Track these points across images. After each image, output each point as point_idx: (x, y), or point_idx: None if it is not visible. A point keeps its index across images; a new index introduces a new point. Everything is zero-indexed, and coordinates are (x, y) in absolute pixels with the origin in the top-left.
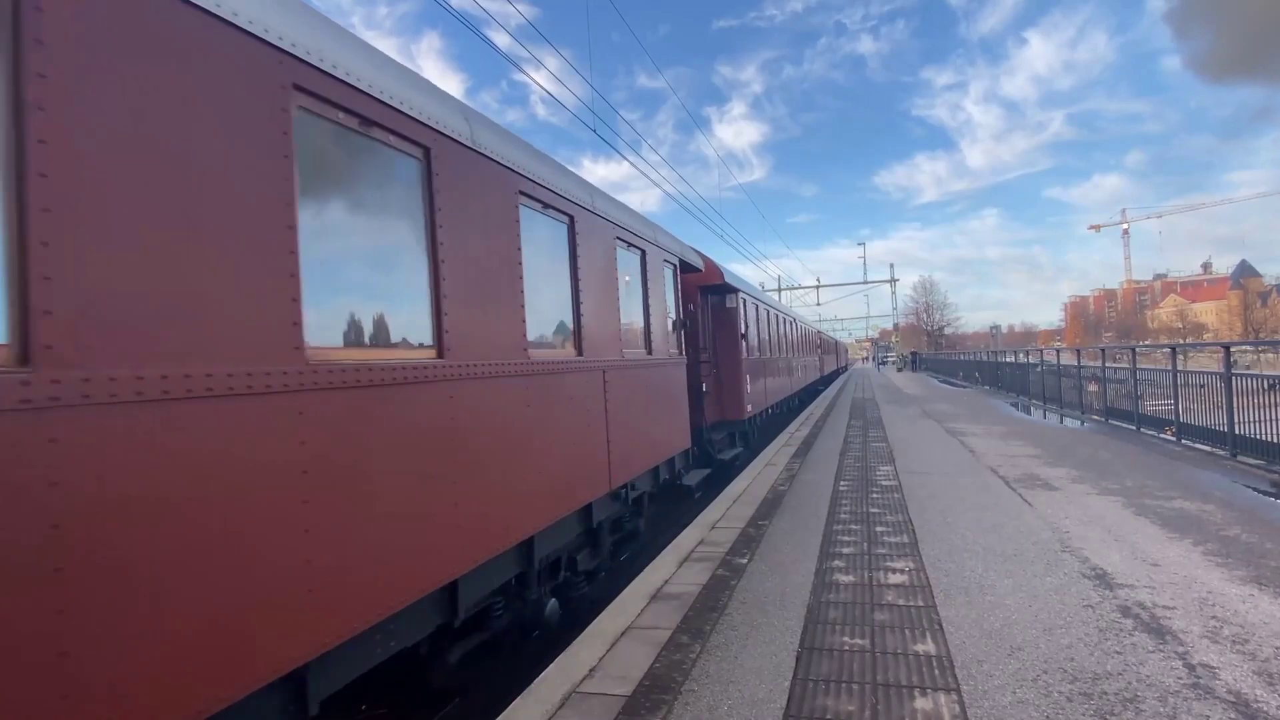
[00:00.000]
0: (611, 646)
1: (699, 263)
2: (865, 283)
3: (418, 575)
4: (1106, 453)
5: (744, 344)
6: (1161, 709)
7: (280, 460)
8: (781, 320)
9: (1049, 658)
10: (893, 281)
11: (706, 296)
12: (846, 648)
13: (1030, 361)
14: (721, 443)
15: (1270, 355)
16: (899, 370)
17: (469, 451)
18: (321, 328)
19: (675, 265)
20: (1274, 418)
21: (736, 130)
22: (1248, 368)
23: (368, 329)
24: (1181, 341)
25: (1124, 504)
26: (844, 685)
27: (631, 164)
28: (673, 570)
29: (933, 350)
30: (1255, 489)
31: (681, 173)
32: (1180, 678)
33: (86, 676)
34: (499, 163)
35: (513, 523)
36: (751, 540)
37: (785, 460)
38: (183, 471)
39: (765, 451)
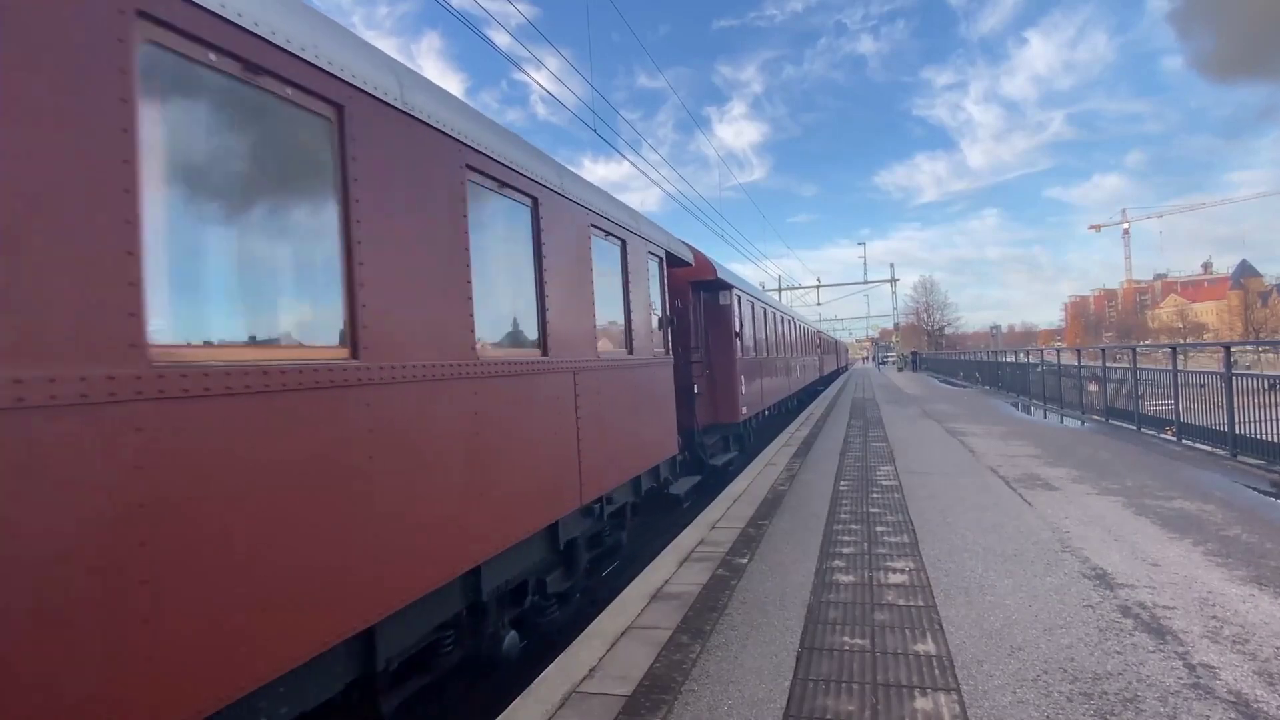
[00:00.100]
0: (611, 646)
1: (689, 256)
2: (865, 283)
3: (317, 629)
4: (1107, 453)
5: (738, 343)
6: (1162, 709)
7: (103, 501)
8: (779, 318)
9: (1049, 658)
10: (893, 281)
11: (699, 293)
12: (847, 648)
13: (1030, 361)
14: (715, 447)
15: (1271, 355)
16: (899, 370)
17: (393, 473)
18: (180, 320)
19: (661, 258)
20: (1274, 418)
21: (737, 130)
22: (1248, 368)
23: (251, 323)
24: (1182, 341)
25: (1124, 504)
26: (844, 685)
27: (632, 164)
28: (673, 570)
29: (933, 350)
30: (1255, 489)
31: (682, 172)
32: (1180, 678)
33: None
34: (439, 130)
35: (453, 553)
36: (752, 540)
37: (785, 460)
38: None
39: (765, 451)
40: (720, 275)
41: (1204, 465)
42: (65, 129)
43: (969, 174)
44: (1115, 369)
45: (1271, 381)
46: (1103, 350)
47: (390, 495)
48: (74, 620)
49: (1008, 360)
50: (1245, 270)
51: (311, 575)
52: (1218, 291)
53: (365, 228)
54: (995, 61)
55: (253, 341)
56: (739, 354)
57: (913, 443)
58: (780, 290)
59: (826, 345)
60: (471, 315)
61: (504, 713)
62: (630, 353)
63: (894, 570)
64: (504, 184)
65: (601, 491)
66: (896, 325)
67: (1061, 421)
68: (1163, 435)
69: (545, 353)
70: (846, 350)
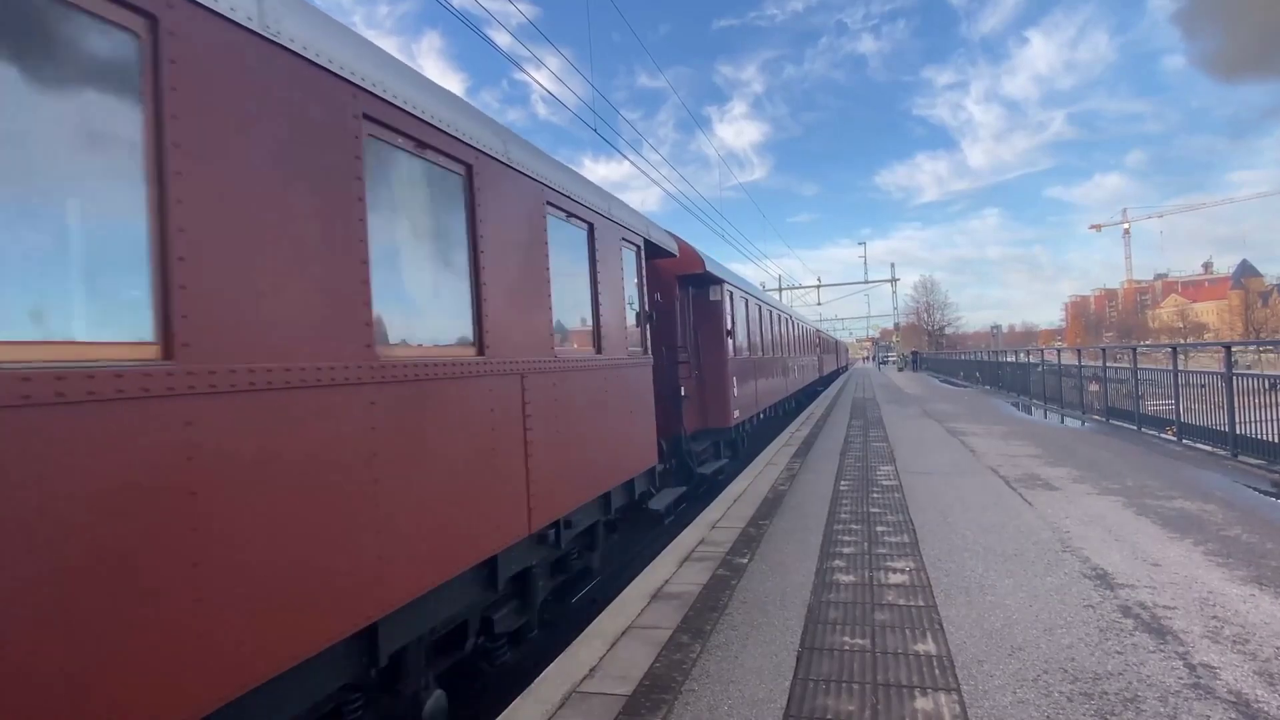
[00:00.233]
0: (612, 646)
1: (672, 247)
2: (866, 282)
3: None
4: (1107, 453)
5: (730, 342)
6: (1162, 709)
7: None
8: (775, 317)
9: (1049, 658)
10: (893, 281)
11: (686, 288)
12: (847, 647)
13: (1031, 361)
14: (704, 454)
15: (1271, 355)
16: (899, 370)
17: (228, 518)
18: None
19: (639, 247)
20: (1275, 418)
21: (737, 130)
22: (1249, 367)
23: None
24: (1182, 341)
25: (1125, 504)
26: (844, 685)
27: (632, 163)
28: (673, 570)
29: (933, 350)
30: (1256, 489)
31: (682, 172)
32: (1181, 678)
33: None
34: (312, 61)
35: (332, 612)
36: (752, 540)
37: (786, 460)
38: None
39: (765, 451)
40: (709, 269)
41: (1205, 465)
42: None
43: (970, 174)
44: (1116, 369)
45: (1272, 381)
46: (1103, 350)
47: (229, 546)
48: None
49: (1008, 360)
50: (1246, 270)
51: (126, 654)
52: (1218, 291)
53: (190, 179)
54: (996, 61)
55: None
56: (731, 354)
57: (913, 443)
58: (780, 290)
59: (826, 345)
60: (368, 305)
61: (504, 712)
62: (599, 352)
63: (894, 570)
64: (422, 143)
65: (558, 515)
66: (897, 325)
67: (1062, 421)
68: (1163, 435)
69: (481, 352)
70: (847, 350)
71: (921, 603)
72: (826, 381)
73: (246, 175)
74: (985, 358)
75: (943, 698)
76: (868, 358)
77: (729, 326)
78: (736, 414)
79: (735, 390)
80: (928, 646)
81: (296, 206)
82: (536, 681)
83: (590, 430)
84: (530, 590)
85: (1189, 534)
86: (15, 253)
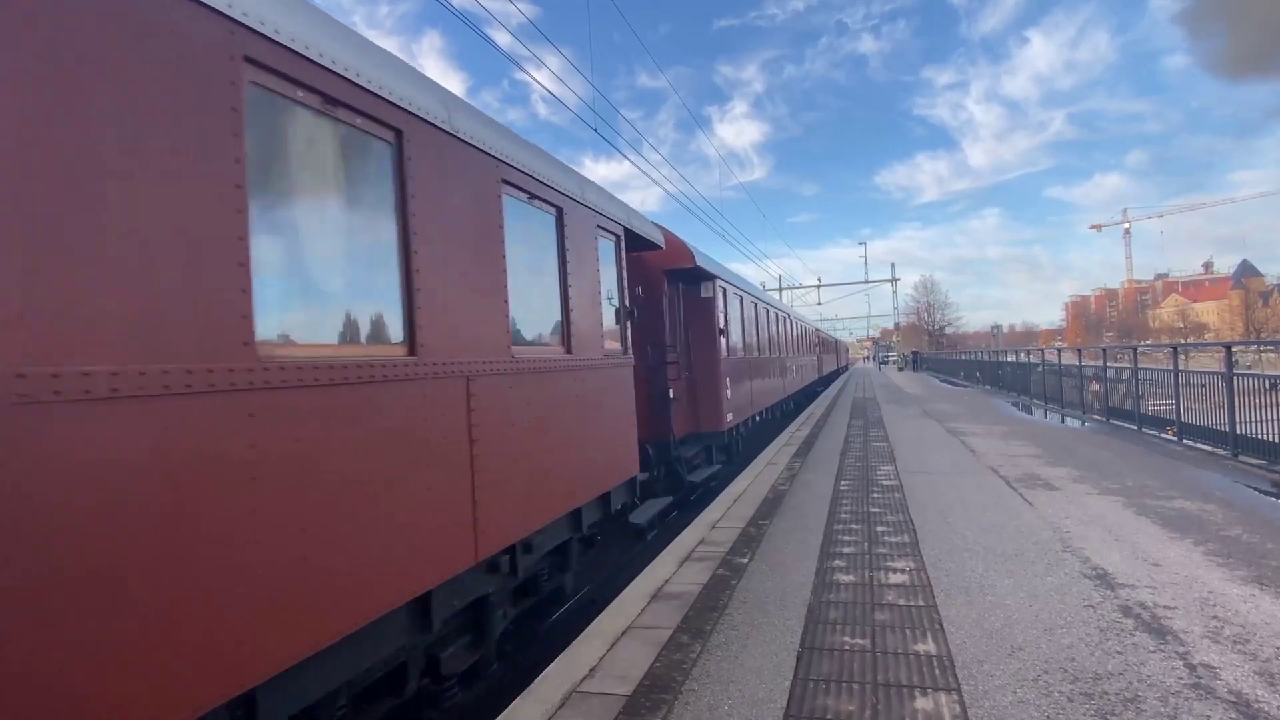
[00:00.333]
0: (612, 646)
1: (658, 238)
2: (866, 282)
3: None
4: (1108, 452)
5: (723, 341)
6: (1162, 709)
7: None
8: (772, 315)
9: (1050, 658)
10: (894, 281)
11: (676, 284)
12: (847, 647)
13: (1031, 361)
14: (695, 459)
15: (1272, 355)
16: (900, 370)
17: (38, 571)
18: None
19: (619, 237)
20: (1275, 417)
21: (738, 130)
22: (1249, 367)
23: None
24: (1183, 341)
25: (1125, 504)
26: (844, 685)
27: (633, 163)
28: (673, 570)
29: (934, 350)
30: (1256, 489)
31: (683, 172)
32: (1181, 678)
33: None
34: None
35: (196, 679)
36: (752, 540)
37: (786, 460)
38: None
39: (766, 451)
40: (699, 263)
41: (1205, 465)
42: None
43: (970, 173)
44: (1116, 369)
45: (1272, 381)
46: (1104, 350)
47: (66, 604)
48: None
49: (1008, 360)
50: (1246, 270)
51: None
52: (1219, 291)
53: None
54: (996, 61)
55: None
56: (724, 353)
57: (913, 442)
58: (781, 290)
59: (826, 344)
60: (246, 291)
61: (504, 712)
62: (569, 351)
63: (894, 570)
64: (331, 99)
65: (514, 538)
66: (897, 325)
67: (1062, 421)
68: (1164, 435)
69: (413, 351)
70: (847, 350)
71: (922, 603)
72: (826, 382)
73: (83, 123)
74: (985, 358)
75: (943, 698)
76: (868, 358)
77: (721, 325)
78: (730, 417)
79: (729, 392)
80: (928, 646)
81: (153, 164)
82: (537, 681)
83: (558, 440)
84: (487, 621)
85: (1189, 534)
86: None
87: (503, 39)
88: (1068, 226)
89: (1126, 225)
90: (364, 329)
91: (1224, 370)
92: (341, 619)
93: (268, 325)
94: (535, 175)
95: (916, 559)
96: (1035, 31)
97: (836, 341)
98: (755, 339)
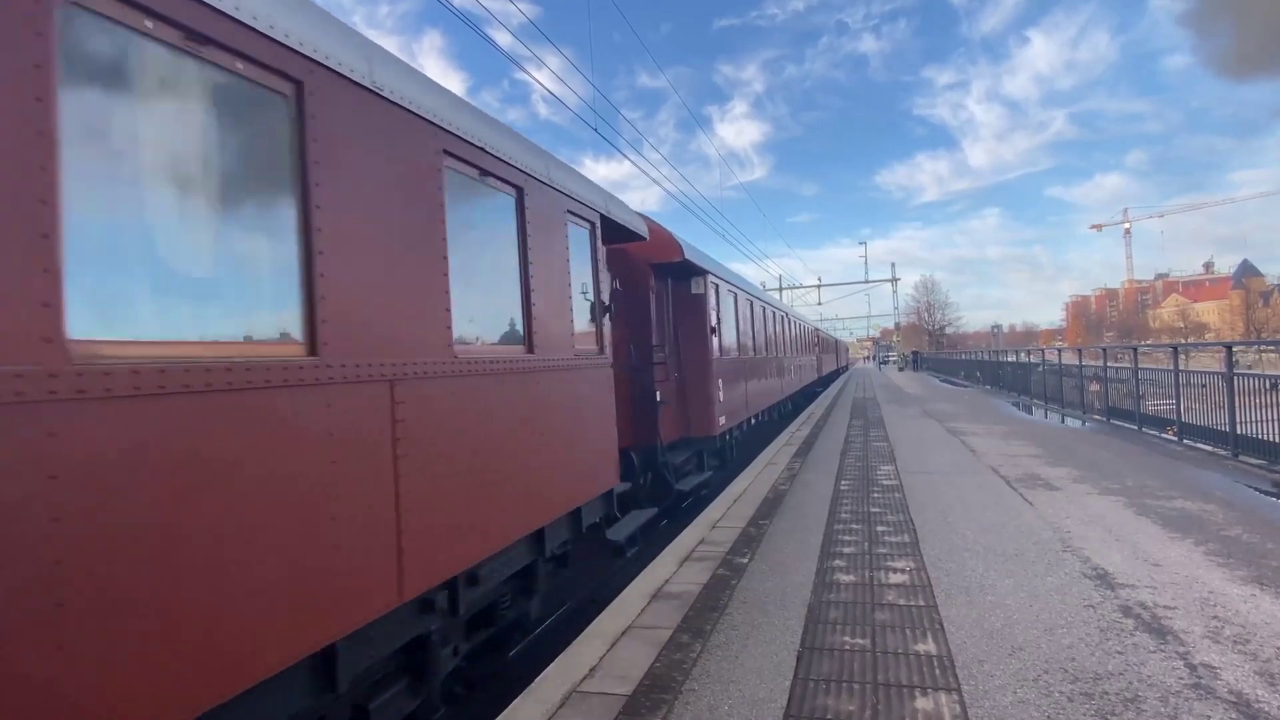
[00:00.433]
0: (612, 646)
1: (641, 228)
2: (867, 282)
3: None
4: (1108, 452)
5: (715, 340)
6: (1163, 709)
7: None
8: (768, 313)
9: (1050, 658)
10: (894, 281)
11: (665, 280)
12: (847, 647)
13: (1031, 361)
14: (685, 466)
15: (1272, 355)
16: (900, 370)
17: None
18: None
19: (594, 224)
20: (1276, 417)
21: (738, 129)
22: (1249, 367)
23: None
24: (1183, 341)
25: (1125, 504)
26: (844, 685)
27: (633, 163)
28: (673, 570)
29: (934, 350)
30: (1257, 489)
31: (683, 172)
32: (1181, 678)
33: None
34: None
35: None
36: (752, 539)
37: (786, 460)
38: None
39: (766, 451)
40: (688, 256)
41: (1205, 465)
42: None
43: (970, 173)
44: (1116, 369)
45: (1273, 381)
46: (1104, 350)
47: None
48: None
49: (1009, 360)
50: (1247, 270)
51: None
52: (1219, 291)
53: None
54: (997, 60)
55: None
56: (716, 353)
57: (914, 442)
58: (781, 289)
59: (825, 344)
60: (54, 273)
61: (504, 712)
62: (530, 351)
63: (895, 570)
64: (198, 37)
65: (451, 571)
66: (897, 325)
67: (1063, 421)
68: (1164, 435)
69: (314, 351)
70: (847, 350)
71: (922, 602)
72: (826, 382)
73: None
74: (986, 358)
75: (943, 698)
76: (868, 358)
77: (713, 323)
78: (723, 420)
79: (721, 394)
80: (928, 646)
81: None
82: (537, 681)
83: (515, 452)
84: (430, 662)
85: (1189, 534)
86: None
87: (503, 39)
88: (1068, 226)
89: (1127, 225)
90: (242, 324)
91: (1224, 370)
92: (199, 694)
93: (88, 316)
94: (487, 148)
95: (917, 559)
96: (1035, 31)
97: (836, 341)
98: (751, 338)
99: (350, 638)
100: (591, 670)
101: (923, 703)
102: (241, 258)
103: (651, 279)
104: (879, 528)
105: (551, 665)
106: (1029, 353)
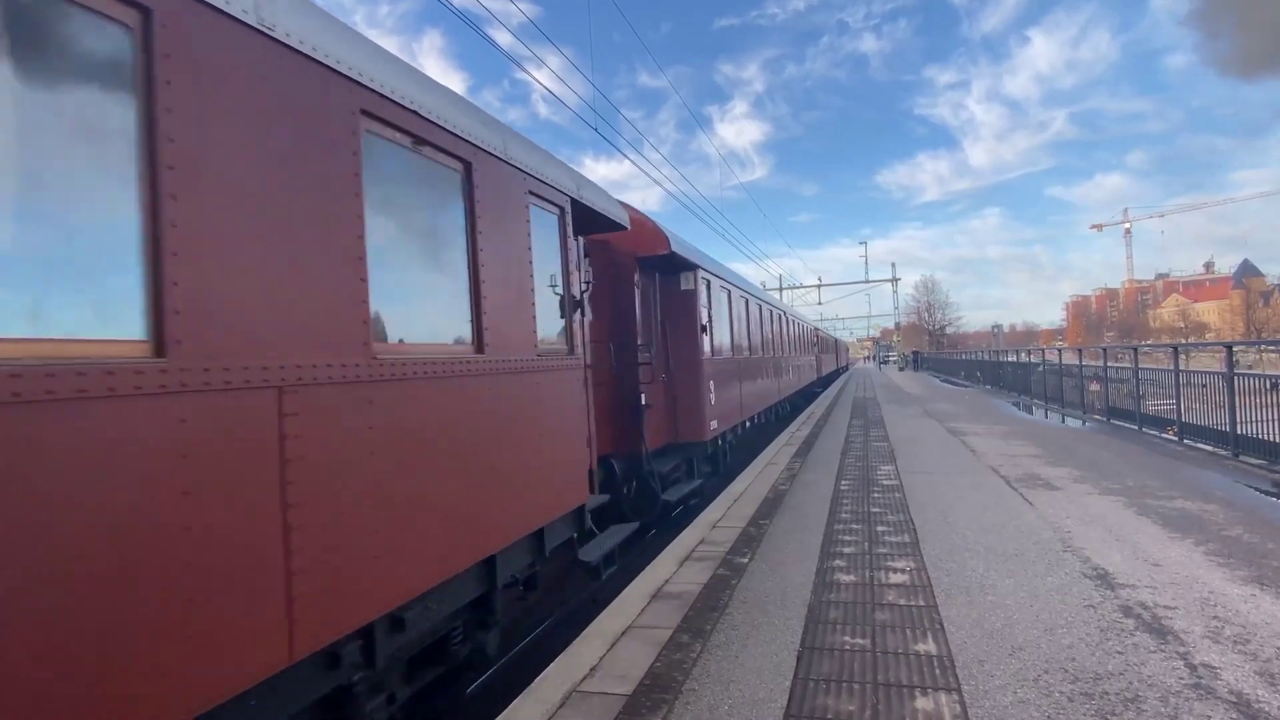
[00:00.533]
0: (612, 646)
1: (621, 217)
2: (867, 282)
3: None
4: (1108, 452)
5: (706, 340)
6: (1163, 709)
7: None
8: (765, 312)
9: (1050, 658)
10: (894, 281)
11: (652, 275)
12: (847, 647)
13: (1032, 361)
14: (674, 473)
15: (1272, 355)
16: (900, 370)
17: None
18: None
19: (564, 209)
20: (1276, 417)
21: (738, 129)
22: (1250, 367)
23: None
24: (1183, 341)
25: (1125, 504)
26: (845, 685)
27: (633, 163)
28: (673, 570)
29: (934, 349)
30: (1257, 489)
31: (683, 171)
32: (1182, 678)
33: None
34: None
35: None
36: (752, 539)
37: (786, 460)
38: None
39: (766, 451)
40: (675, 249)
41: (1205, 465)
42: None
43: (971, 173)
44: (1117, 369)
45: (1273, 381)
46: (1104, 350)
47: None
48: None
49: (1009, 360)
50: (1247, 270)
51: None
52: (1219, 291)
53: None
54: (997, 60)
55: None
56: (707, 354)
57: (914, 442)
58: (781, 289)
59: (825, 344)
60: None
61: (504, 712)
62: (480, 350)
63: (895, 570)
64: None
65: (365, 618)
66: (898, 324)
67: (1063, 421)
68: (1164, 435)
69: (162, 351)
70: (847, 350)
71: (922, 602)
72: (826, 382)
73: None
74: (986, 357)
75: (943, 698)
76: (868, 357)
77: (705, 321)
78: (714, 425)
79: (713, 397)
80: (928, 646)
81: None
82: (537, 681)
83: (458, 469)
84: (354, 717)
85: (1190, 534)
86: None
87: (503, 38)
88: (1068, 226)
89: (1127, 225)
90: (53, 315)
91: (1225, 370)
92: None
93: None
94: (421, 112)
95: (917, 559)
96: (1036, 31)
97: (836, 341)
98: (746, 338)
99: (221, 708)
100: (592, 670)
101: (923, 703)
102: (59, 228)
103: (636, 273)
104: (879, 527)
105: (552, 665)
106: (1029, 353)
